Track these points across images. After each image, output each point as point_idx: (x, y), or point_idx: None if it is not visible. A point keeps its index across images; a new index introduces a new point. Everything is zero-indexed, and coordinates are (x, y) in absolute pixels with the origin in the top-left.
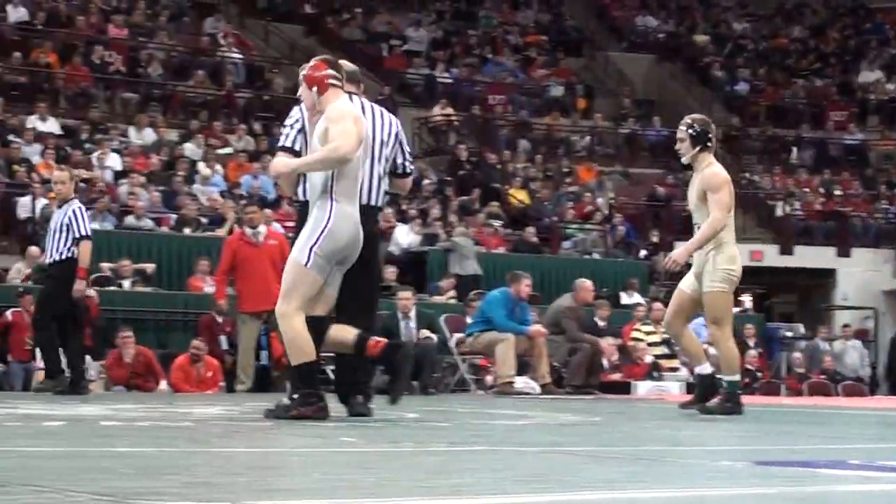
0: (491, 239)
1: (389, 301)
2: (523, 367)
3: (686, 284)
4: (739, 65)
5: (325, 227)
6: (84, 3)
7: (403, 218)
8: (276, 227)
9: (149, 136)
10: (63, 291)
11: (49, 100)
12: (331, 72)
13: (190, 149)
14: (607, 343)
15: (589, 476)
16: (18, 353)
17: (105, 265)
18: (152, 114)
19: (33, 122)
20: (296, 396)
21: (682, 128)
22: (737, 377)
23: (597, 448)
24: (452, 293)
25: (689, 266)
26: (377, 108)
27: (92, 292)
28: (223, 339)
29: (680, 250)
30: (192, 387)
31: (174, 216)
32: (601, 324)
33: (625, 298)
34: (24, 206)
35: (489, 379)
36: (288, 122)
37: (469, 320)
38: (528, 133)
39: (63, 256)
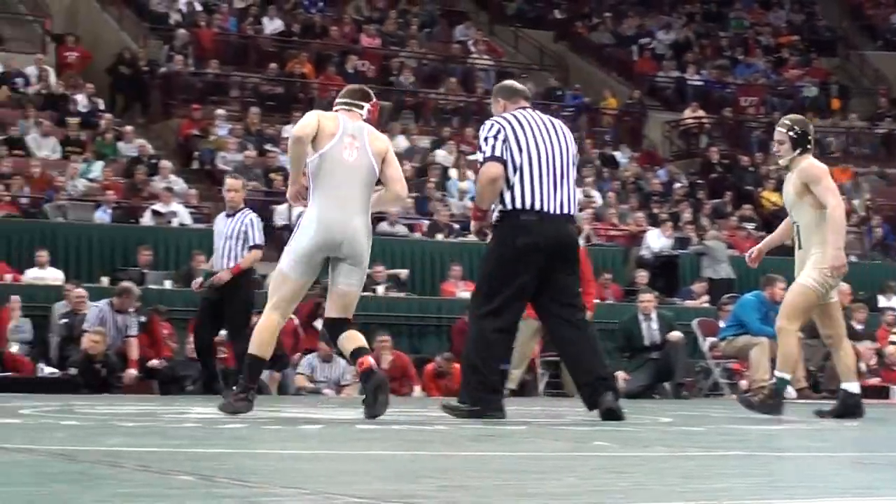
0: (744, 242)
1: (633, 304)
2: None
3: None
4: None
5: (297, 229)
6: (338, 14)
7: (655, 222)
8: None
9: (401, 143)
10: (247, 298)
11: (304, 109)
12: (338, 99)
13: (441, 155)
14: (864, 347)
15: (849, 482)
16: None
17: None
18: (404, 121)
19: (289, 131)
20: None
21: (782, 130)
22: (788, 376)
23: (856, 453)
24: (705, 297)
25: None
26: (553, 120)
27: None
28: None
29: (833, 254)
30: (443, 394)
31: (427, 222)
32: (858, 327)
33: (882, 301)
34: (280, 214)
35: (743, 383)
36: (489, 133)
37: (722, 324)
38: None
39: None
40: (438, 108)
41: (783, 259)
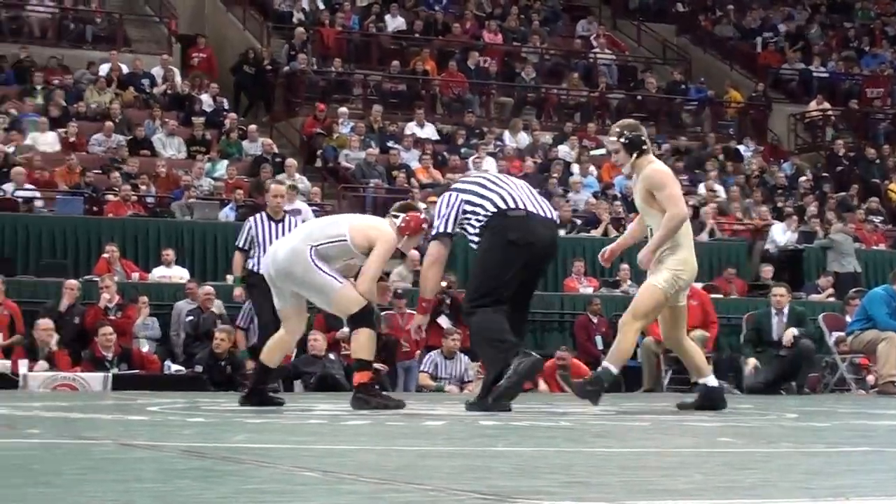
0: (871, 235)
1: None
2: None
3: None
4: None
5: None
6: (460, 11)
7: (780, 215)
8: (698, 285)
9: (523, 139)
10: None
11: (426, 106)
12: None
13: (564, 150)
14: None
15: None
16: (400, 354)
17: None
18: (526, 117)
19: (412, 128)
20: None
21: (612, 138)
22: (615, 370)
23: None
24: (831, 291)
25: None
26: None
27: None
28: (599, 339)
29: (644, 251)
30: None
31: None
32: None
33: None
34: None
35: (870, 378)
36: (443, 204)
37: (848, 319)
38: None
39: None
40: (561, 103)
41: None
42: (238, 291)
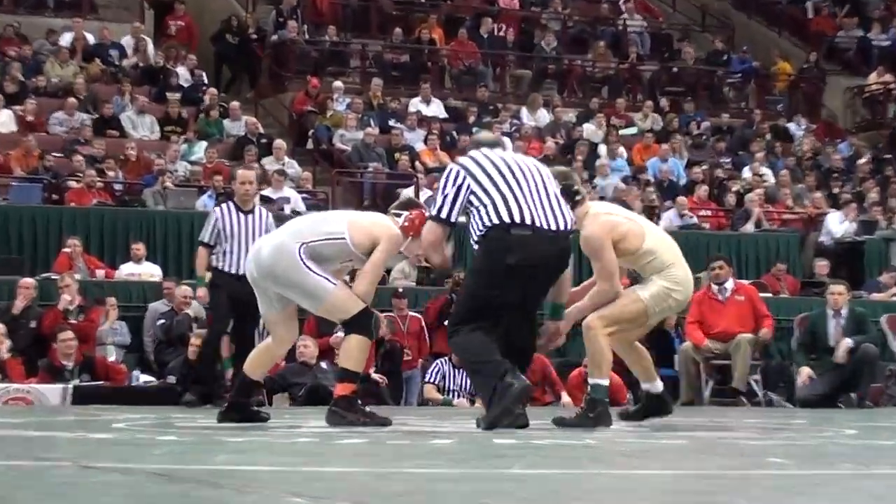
0: None
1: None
2: None
3: None
4: None
5: None
6: None
7: (836, 203)
8: (745, 281)
9: (543, 117)
10: None
11: (433, 80)
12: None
13: (589, 130)
14: None
15: None
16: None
17: None
18: (547, 92)
19: (416, 105)
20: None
21: None
22: (605, 382)
23: None
24: (895, 289)
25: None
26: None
27: None
28: None
29: (560, 324)
30: None
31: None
32: None
33: None
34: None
35: None
36: (447, 181)
37: None
38: None
39: None
40: (586, 76)
41: None
42: (202, 292)
